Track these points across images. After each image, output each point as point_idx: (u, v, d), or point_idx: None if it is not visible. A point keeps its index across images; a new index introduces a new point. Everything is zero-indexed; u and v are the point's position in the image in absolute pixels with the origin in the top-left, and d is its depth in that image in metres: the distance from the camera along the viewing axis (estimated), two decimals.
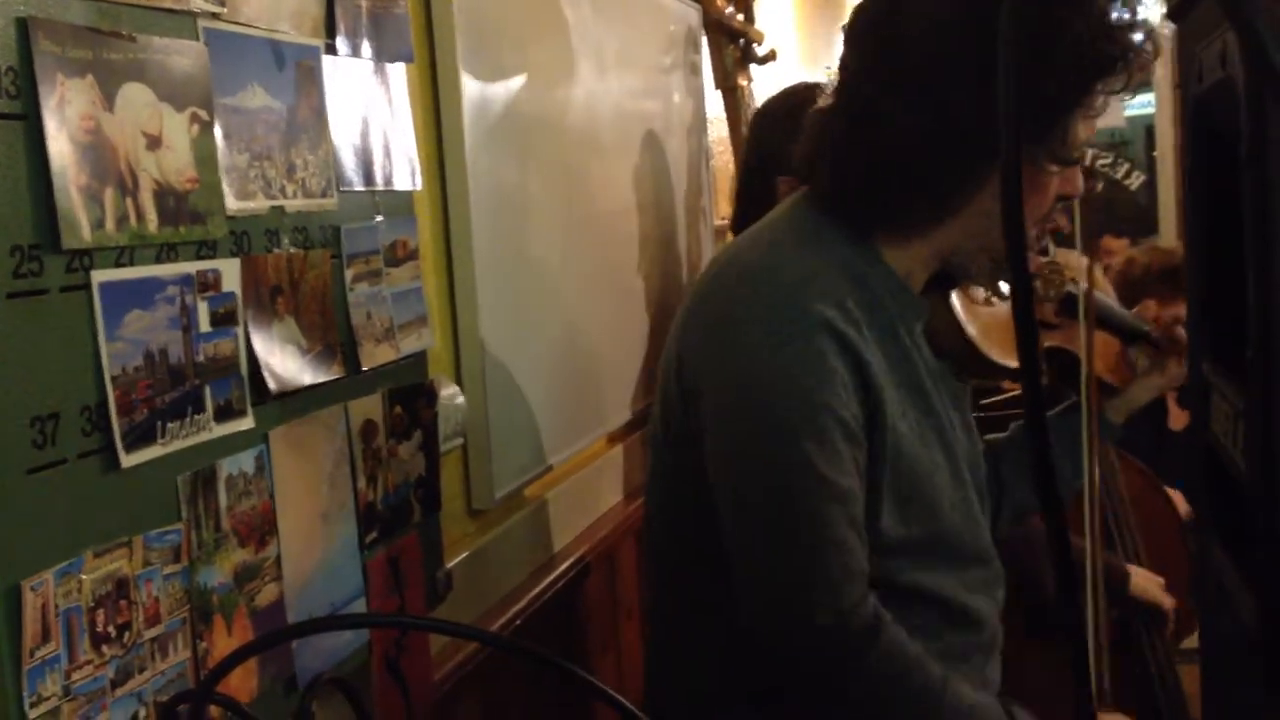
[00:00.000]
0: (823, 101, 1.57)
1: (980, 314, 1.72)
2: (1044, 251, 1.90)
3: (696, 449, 1.51)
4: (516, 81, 2.11)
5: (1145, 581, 2.39)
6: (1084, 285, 1.89)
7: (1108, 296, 2.03)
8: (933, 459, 1.53)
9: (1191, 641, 2.57)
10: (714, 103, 3.24)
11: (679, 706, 1.64)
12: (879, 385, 1.46)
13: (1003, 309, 1.76)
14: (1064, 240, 2.23)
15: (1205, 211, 0.81)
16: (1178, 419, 3.23)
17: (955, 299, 1.68)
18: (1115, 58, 1.44)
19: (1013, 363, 1.71)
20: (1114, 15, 1.44)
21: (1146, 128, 8.44)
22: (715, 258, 1.64)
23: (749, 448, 1.46)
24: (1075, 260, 1.96)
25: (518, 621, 2.01)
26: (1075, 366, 1.89)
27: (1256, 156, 0.66)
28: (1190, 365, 0.80)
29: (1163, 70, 7.65)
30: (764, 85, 3.16)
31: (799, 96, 2.25)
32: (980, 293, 1.72)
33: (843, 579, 1.41)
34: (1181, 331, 1.92)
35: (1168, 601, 2.41)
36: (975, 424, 1.71)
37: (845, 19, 1.58)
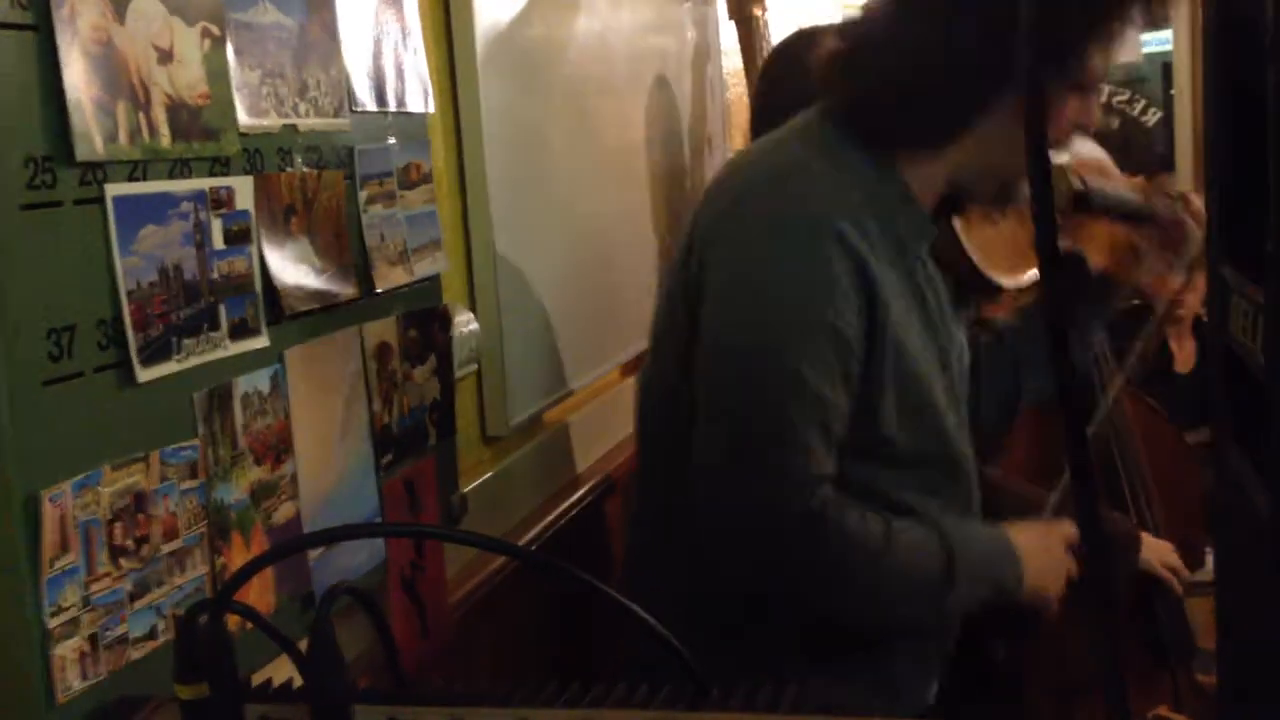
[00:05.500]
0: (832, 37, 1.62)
1: (979, 235, 1.76)
2: None
3: (689, 333, 1.54)
4: (530, 3, 2.09)
5: (1155, 554, 2.29)
6: (1090, 180, 1.92)
7: (1115, 182, 2.05)
8: (933, 375, 1.57)
9: (1202, 575, 2.56)
10: (727, 33, 3.21)
11: (652, 608, 1.65)
12: (884, 299, 1.49)
13: (1003, 226, 1.80)
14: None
15: (1227, 110, 0.80)
16: (1183, 363, 3.21)
17: (955, 221, 1.74)
18: None
19: (1009, 281, 1.78)
20: None
21: (1164, 65, 8.34)
22: (737, 154, 1.70)
23: (739, 342, 1.49)
24: (1087, 151, 1.98)
25: (533, 547, 2.03)
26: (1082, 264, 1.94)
27: None
28: (1210, 267, 0.79)
29: (1182, 6, 7.56)
30: (779, 17, 3.12)
31: (812, 37, 2.24)
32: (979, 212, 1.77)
33: (799, 482, 1.45)
34: (1169, 204, 1.97)
35: (1177, 578, 2.32)
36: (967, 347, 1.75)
37: None
